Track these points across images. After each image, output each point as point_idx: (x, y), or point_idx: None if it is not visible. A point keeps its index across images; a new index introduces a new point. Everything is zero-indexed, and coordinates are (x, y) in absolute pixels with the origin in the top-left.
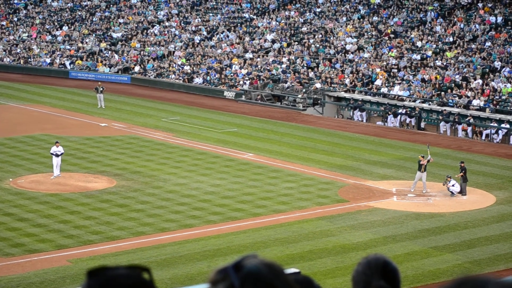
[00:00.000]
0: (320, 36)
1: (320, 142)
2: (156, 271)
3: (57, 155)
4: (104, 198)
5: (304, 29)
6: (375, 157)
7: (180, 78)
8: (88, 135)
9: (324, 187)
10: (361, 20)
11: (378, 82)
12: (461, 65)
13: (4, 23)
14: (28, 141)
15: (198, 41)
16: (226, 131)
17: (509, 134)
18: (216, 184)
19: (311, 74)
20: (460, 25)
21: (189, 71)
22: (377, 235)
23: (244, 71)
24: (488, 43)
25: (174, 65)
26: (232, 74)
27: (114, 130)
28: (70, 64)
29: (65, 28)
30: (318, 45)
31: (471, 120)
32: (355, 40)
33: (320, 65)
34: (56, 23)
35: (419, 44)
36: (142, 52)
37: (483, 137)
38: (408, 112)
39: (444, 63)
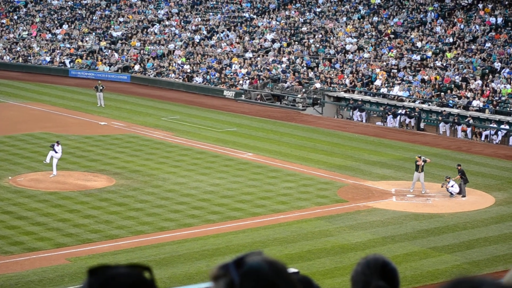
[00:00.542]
0: (320, 36)
1: (319, 142)
2: (155, 270)
3: (55, 151)
4: (103, 196)
5: (304, 29)
6: (375, 157)
7: (180, 77)
8: (87, 133)
9: (323, 187)
10: (361, 20)
11: (377, 83)
12: (461, 66)
13: (4, 21)
14: (28, 139)
15: (198, 40)
16: (226, 131)
17: (508, 135)
18: (215, 184)
19: (311, 74)
20: (460, 25)
21: (189, 70)
22: (376, 236)
23: (244, 71)
24: (488, 44)
25: (174, 64)
26: (232, 74)
27: (114, 129)
28: (70, 62)
29: (65, 26)
30: (318, 45)
31: (471, 121)
32: (355, 40)
33: (320, 65)
34: (56, 22)
35: (419, 44)
36: (142, 51)
37: (483, 138)
38: (408, 112)
39: (444, 64)
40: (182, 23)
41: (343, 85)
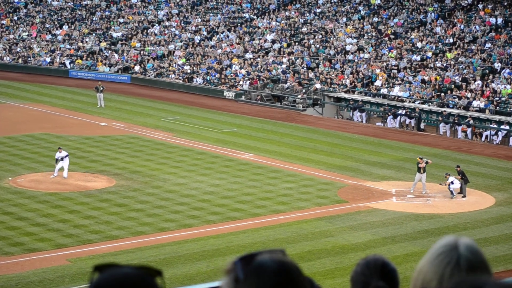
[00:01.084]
0: (320, 36)
1: (319, 142)
2: None
3: (62, 159)
4: (104, 197)
5: (304, 29)
6: (375, 158)
7: (180, 78)
8: (87, 134)
9: (323, 188)
10: (361, 20)
11: (378, 83)
12: (461, 66)
13: (4, 22)
14: (28, 140)
15: (198, 41)
16: (226, 131)
17: (508, 136)
18: (215, 184)
19: (311, 75)
20: (460, 26)
21: (189, 71)
22: (376, 236)
23: (244, 71)
24: (488, 45)
25: (174, 64)
26: (232, 74)
27: (114, 130)
28: (70, 63)
29: (65, 27)
30: (318, 46)
31: (471, 121)
32: (355, 40)
33: (320, 65)
34: (56, 22)
35: (419, 45)
36: (142, 52)
37: (483, 139)
38: (408, 113)
39: (444, 64)
40: (182, 24)
41: (343, 85)
